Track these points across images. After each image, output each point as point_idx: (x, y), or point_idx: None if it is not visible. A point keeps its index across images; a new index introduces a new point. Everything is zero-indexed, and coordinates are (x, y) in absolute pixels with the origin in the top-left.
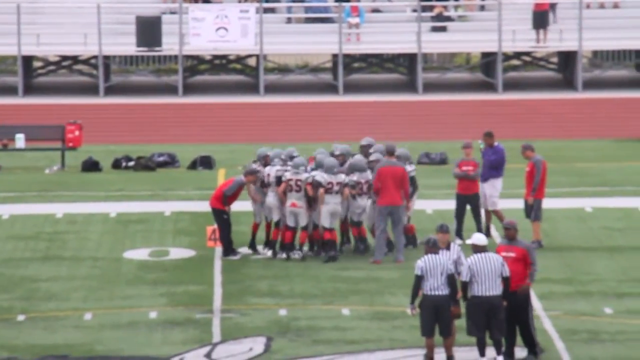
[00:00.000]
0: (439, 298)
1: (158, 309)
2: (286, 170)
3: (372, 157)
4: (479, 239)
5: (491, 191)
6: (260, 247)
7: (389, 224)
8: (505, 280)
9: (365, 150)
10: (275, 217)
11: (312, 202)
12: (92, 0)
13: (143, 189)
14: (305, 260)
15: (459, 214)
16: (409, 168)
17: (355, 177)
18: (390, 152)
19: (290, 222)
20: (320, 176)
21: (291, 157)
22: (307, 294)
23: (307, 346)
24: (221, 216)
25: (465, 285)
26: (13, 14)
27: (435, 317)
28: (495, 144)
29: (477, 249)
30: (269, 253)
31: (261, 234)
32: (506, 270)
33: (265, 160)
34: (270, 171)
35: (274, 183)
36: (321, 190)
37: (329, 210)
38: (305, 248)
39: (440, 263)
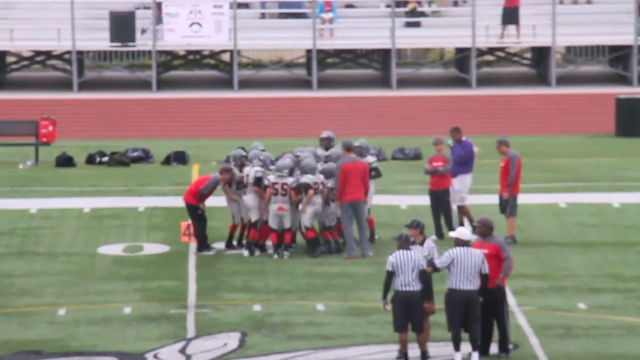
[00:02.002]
0: (410, 294)
1: (132, 304)
2: (265, 172)
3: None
4: (462, 233)
5: (460, 187)
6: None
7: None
8: (484, 277)
9: (325, 142)
10: (253, 217)
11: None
12: None
13: (117, 184)
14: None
15: (434, 210)
16: (371, 159)
17: (330, 183)
18: (348, 149)
19: (274, 225)
20: (306, 178)
21: (272, 161)
22: (282, 289)
23: (282, 342)
24: (195, 212)
25: (436, 269)
26: None
27: (407, 312)
28: (463, 139)
29: (460, 242)
30: (246, 253)
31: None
32: (486, 267)
33: (242, 161)
34: (250, 172)
35: (252, 183)
36: (310, 191)
37: (316, 210)
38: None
39: (411, 259)
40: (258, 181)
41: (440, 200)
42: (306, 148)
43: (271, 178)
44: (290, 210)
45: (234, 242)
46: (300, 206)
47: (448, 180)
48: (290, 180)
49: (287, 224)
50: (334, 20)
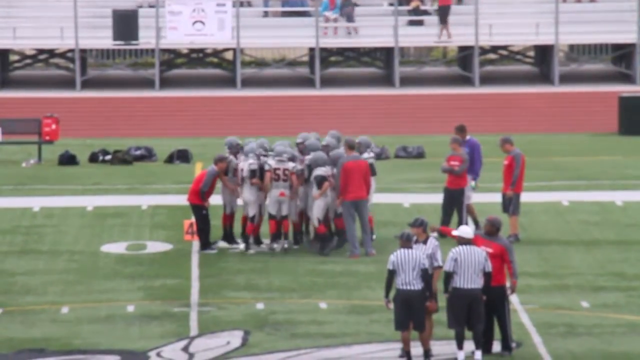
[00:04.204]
0: (410, 293)
1: (135, 302)
2: (261, 161)
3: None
4: (465, 231)
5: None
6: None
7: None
8: (487, 275)
9: (300, 147)
10: (250, 212)
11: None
12: None
13: (120, 182)
14: (287, 251)
15: (445, 207)
16: (366, 155)
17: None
18: (350, 147)
19: (272, 211)
20: (321, 170)
21: (265, 150)
22: (285, 287)
23: (285, 340)
24: (200, 211)
25: (448, 276)
26: None
27: (408, 311)
28: (468, 137)
29: (463, 241)
30: (241, 246)
31: (237, 226)
32: (489, 266)
33: (236, 149)
34: (244, 165)
35: (247, 177)
36: (326, 183)
37: (327, 203)
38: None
39: (412, 258)
40: (254, 174)
41: (454, 200)
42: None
43: (271, 163)
44: (289, 197)
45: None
46: (314, 194)
47: (464, 180)
48: (290, 165)
49: (284, 211)
50: (337, 18)
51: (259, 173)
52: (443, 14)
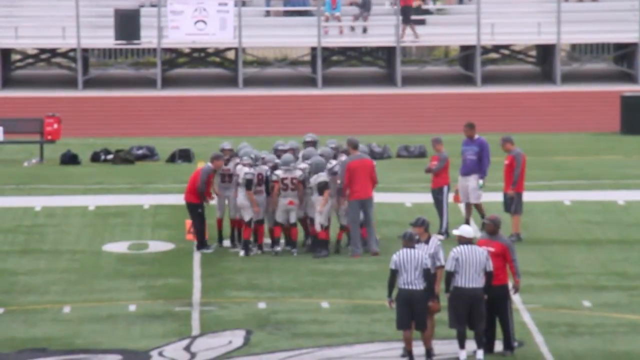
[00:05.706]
0: (413, 292)
1: (137, 302)
2: (253, 168)
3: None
4: (465, 230)
5: (475, 184)
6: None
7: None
8: (488, 274)
9: (308, 146)
10: (246, 217)
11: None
12: None
13: (122, 182)
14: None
15: (436, 208)
16: None
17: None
18: (354, 146)
19: (280, 219)
20: (323, 176)
21: (261, 158)
22: (286, 287)
23: (287, 339)
24: (195, 210)
25: (449, 276)
26: None
27: (410, 311)
28: (476, 136)
29: (463, 240)
30: (242, 253)
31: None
32: (490, 265)
33: (224, 154)
34: (240, 172)
35: (243, 184)
36: (328, 191)
37: (329, 209)
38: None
39: (415, 257)
40: (249, 183)
41: (434, 199)
42: (287, 142)
43: (279, 173)
44: (297, 205)
45: (225, 243)
46: (318, 207)
47: (443, 179)
48: (298, 173)
49: (292, 219)
50: (338, 6)
51: (264, 183)
52: (405, 14)
